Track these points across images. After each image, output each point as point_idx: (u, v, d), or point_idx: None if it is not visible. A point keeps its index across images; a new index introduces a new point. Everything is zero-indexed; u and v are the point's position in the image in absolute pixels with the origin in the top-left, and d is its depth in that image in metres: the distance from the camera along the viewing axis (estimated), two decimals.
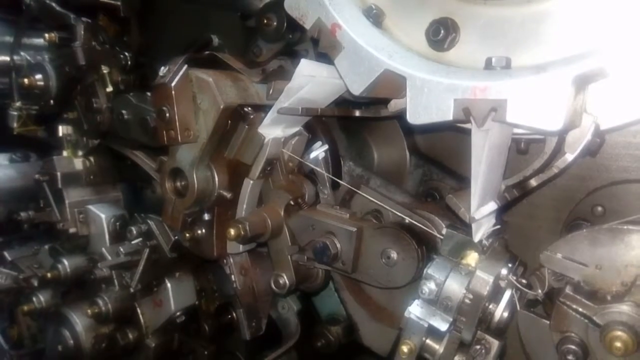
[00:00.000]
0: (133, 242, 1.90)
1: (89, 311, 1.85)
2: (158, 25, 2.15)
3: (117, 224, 2.05)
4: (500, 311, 1.16)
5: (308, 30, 1.26)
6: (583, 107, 1.04)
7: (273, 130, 1.49)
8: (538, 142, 1.15)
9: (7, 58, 2.24)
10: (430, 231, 1.35)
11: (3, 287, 2.26)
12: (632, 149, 1.31)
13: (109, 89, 2.00)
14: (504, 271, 1.14)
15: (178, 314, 1.89)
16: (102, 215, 2.07)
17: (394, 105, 1.25)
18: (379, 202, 1.47)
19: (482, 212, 1.12)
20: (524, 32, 1.08)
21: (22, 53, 2.22)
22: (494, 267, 1.13)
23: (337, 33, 1.20)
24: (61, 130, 2.23)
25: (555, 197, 1.41)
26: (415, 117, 1.10)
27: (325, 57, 1.28)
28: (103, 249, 1.97)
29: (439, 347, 1.19)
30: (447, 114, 1.05)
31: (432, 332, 1.17)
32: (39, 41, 2.23)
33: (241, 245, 1.60)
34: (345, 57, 1.20)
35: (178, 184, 1.59)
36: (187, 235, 1.59)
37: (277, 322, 1.90)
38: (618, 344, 0.98)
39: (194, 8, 2.00)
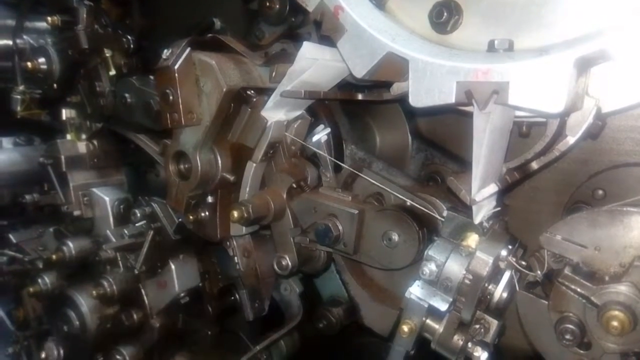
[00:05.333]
0: (137, 224, 1.92)
1: (94, 292, 1.88)
2: (160, 8, 2.15)
3: (121, 206, 2.06)
4: (499, 292, 1.17)
5: (311, 13, 1.26)
6: (585, 89, 1.04)
7: (276, 113, 1.50)
8: (540, 125, 1.15)
9: (10, 42, 2.24)
10: (432, 213, 1.36)
11: (9, 269, 2.28)
12: (633, 132, 1.32)
13: (112, 72, 2.00)
14: (503, 252, 1.15)
15: (182, 295, 1.92)
16: (106, 198, 2.09)
17: (396, 89, 1.25)
18: (380, 185, 1.48)
19: (482, 194, 1.13)
20: (527, 14, 1.08)
21: (25, 37, 2.22)
22: (494, 248, 1.14)
23: (340, 15, 1.20)
24: (64, 113, 2.23)
25: (556, 180, 1.42)
26: (418, 100, 1.11)
27: (328, 40, 1.28)
28: (107, 232, 1.99)
29: (439, 327, 1.21)
30: (449, 97, 1.05)
31: (433, 312, 1.19)
32: (42, 25, 2.23)
33: (244, 228, 1.61)
34: (348, 39, 1.20)
35: (182, 166, 1.60)
36: (191, 217, 1.60)
37: (279, 304, 1.92)
38: (615, 324, 0.99)
39: None
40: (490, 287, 1.17)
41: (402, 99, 1.19)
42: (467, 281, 1.14)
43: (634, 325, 1.00)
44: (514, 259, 1.17)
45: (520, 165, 1.17)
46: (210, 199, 1.59)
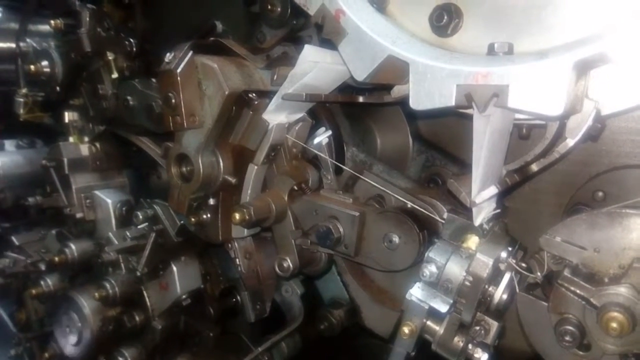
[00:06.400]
0: (139, 226, 1.93)
1: (96, 294, 1.88)
2: (162, 12, 2.16)
3: (124, 209, 2.07)
4: (499, 293, 1.18)
5: (312, 16, 1.27)
6: (584, 92, 1.05)
7: (277, 116, 1.51)
8: (540, 127, 1.16)
9: (13, 45, 2.26)
10: (432, 215, 1.36)
11: (11, 272, 2.29)
12: (633, 135, 1.33)
13: (115, 75, 2.01)
14: (503, 254, 1.16)
15: (184, 297, 1.92)
16: (109, 200, 2.09)
17: (397, 92, 1.26)
18: (381, 187, 1.49)
19: (482, 196, 1.14)
20: (527, 18, 1.09)
21: (28, 40, 2.23)
22: (494, 250, 1.15)
23: (341, 19, 1.21)
24: (67, 116, 2.25)
25: (556, 182, 1.43)
26: (418, 102, 1.11)
27: (329, 43, 1.29)
28: (110, 234, 2.00)
29: (439, 328, 1.22)
30: (449, 100, 1.06)
31: (433, 313, 1.20)
32: (45, 28, 2.24)
33: (246, 230, 1.62)
34: (349, 43, 1.21)
35: (184, 169, 1.61)
36: (193, 219, 1.61)
37: (281, 306, 1.93)
38: (614, 325, 1.00)
39: None
40: (490, 288, 1.18)
41: (403, 102, 1.20)
42: (467, 283, 1.15)
43: (633, 327, 1.00)
44: (514, 261, 1.18)
45: (520, 167, 1.18)
46: (212, 201, 1.60)
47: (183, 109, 1.49)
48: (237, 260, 1.70)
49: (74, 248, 2.02)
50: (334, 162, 1.56)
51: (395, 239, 1.35)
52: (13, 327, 2.45)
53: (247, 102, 1.51)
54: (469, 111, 1.09)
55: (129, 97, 1.87)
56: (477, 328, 1.19)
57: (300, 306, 1.89)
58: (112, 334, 1.97)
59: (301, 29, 1.63)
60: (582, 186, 1.39)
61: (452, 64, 1.06)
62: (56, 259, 2.01)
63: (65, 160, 2.17)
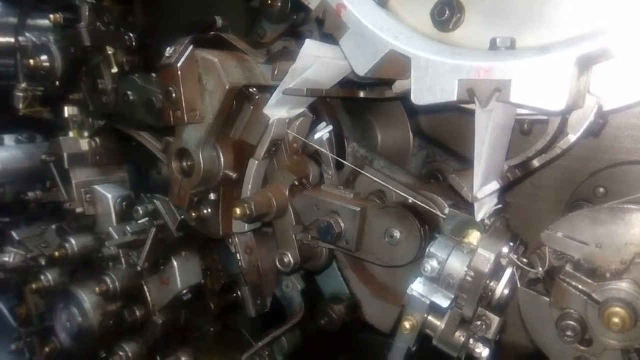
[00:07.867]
0: (140, 221, 1.93)
1: (97, 289, 1.88)
2: (162, 6, 2.15)
3: (124, 204, 2.07)
4: (501, 289, 1.18)
5: (313, 11, 1.27)
6: (586, 88, 1.05)
7: (278, 111, 1.50)
8: (541, 123, 1.16)
9: (13, 39, 2.25)
10: (433, 211, 1.36)
11: (11, 266, 2.29)
12: (635, 131, 1.33)
13: (114, 70, 2.00)
14: (505, 250, 1.16)
15: (184, 292, 1.92)
16: (109, 195, 2.09)
17: (398, 87, 1.26)
18: (382, 183, 1.49)
19: (484, 191, 1.13)
20: (529, 13, 1.09)
21: (27, 34, 2.23)
22: (496, 245, 1.15)
23: (343, 13, 1.20)
24: (67, 111, 2.24)
25: (557, 178, 1.43)
26: (420, 97, 1.11)
27: (330, 38, 1.29)
28: (110, 229, 1.99)
29: (440, 324, 1.22)
30: (451, 95, 1.06)
31: (434, 308, 1.20)
32: (44, 22, 2.23)
33: (247, 225, 1.62)
34: (350, 37, 1.20)
35: (184, 164, 1.61)
36: (194, 214, 1.61)
37: (281, 301, 1.93)
38: (616, 320, 1.00)
39: None
40: (491, 284, 1.18)
41: (404, 97, 1.19)
42: (468, 278, 1.15)
43: (634, 322, 1.01)
44: (516, 256, 1.18)
45: (522, 163, 1.18)
46: (212, 196, 1.60)
47: (184, 104, 1.48)
48: (238, 255, 1.70)
49: (74, 243, 2.01)
50: (335, 157, 1.56)
51: (397, 234, 1.35)
52: (13, 322, 2.45)
53: (248, 97, 1.50)
54: (470, 106, 1.09)
55: (129, 92, 1.86)
56: (479, 323, 1.20)
57: (301, 301, 1.89)
58: (113, 329, 1.97)
59: (302, 23, 1.63)
60: (584, 182, 1.39)
61: (454, 59, 1.05)
62: (56, 253, 2.01)
63: (65, 155, 2.17)
